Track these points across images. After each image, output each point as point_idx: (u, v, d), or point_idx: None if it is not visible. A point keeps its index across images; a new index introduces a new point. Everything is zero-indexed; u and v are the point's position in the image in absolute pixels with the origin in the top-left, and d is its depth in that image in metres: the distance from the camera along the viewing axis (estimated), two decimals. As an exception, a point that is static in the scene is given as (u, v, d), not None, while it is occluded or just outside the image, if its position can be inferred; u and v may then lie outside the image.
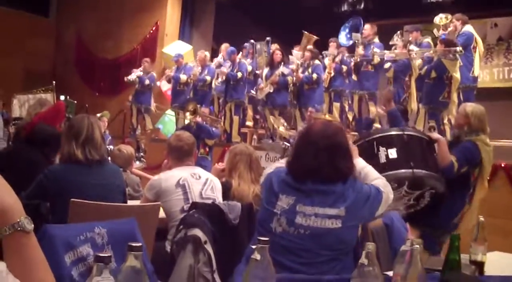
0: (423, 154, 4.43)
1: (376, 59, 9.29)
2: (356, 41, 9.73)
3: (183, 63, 11.80)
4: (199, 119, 9.26)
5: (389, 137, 4.45)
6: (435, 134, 4.83)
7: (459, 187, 4.44)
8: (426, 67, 8.63)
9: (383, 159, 4.32)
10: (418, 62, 8.92)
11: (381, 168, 4.19)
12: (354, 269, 2.53)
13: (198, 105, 10.07)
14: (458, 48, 8.14)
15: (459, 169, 4.33)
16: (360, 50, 9.55)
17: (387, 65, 9.10)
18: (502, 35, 12.25)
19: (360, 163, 2.91)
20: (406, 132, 4.49)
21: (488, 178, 4.63)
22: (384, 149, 4.35)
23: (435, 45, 9.11)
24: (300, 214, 2.46)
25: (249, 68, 10.93)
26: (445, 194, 4.31)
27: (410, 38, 9.36)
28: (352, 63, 9.76)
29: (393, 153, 4.30)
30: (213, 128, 9.15)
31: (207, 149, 9.24)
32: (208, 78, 11.27)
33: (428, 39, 9.68)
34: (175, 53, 12.05)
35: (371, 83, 9.50)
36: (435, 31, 9.13)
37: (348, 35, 10.71)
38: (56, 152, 3.90)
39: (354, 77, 9.82)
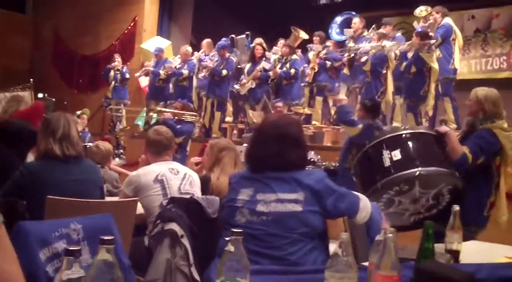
0: (430, 150, 4.24)
1: (371, 53, 9.31)
2: (349, 37, 9.76)
3: (163, 58, 11.77)
4: (167, 115, 9.20)
5: (390, 139, 4.30)
6: (443, 128, 4.50)
7: (482, 178, 4.22)
8: (405, 63, 8.70)
9: (387, 163, 4.17)
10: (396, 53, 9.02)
11: (387, 172, 4.12)
12: (323, 253, 2.59)
13: (177, 100, 10.08)
14: (432, 41, 8.23)
15: (475, 160, 4.10)
16: (351, 44, 9.57)
17: (363, 58, 9.14)
18: (479, 27, 12.35)
19: None
20: (407, 131, 4.35)
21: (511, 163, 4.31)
22: (387, 152, 4.18)
23: (409, 39, 9.21)
24: (261, 202, 2.49)
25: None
26: (465, 188, 4.07)
27: (384, 32, 9.42)
28: (345, 59, 9.76)
29: (397, 155, 4.13)
30: (179, 126, 8.97)
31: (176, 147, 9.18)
32: (185, 72, 11.22)
33: (399, 33, 9.77)
34: (156, 47, 12.03)
35: (363, 76, 9.45)
36: (415, 23, 9.19)
37: (338, 30, 10.74)
38: (29, 148, 3.87)
39: (346, 71, 9.82)
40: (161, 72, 11.50)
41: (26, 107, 5.05)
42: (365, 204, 2.70)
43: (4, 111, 4.98)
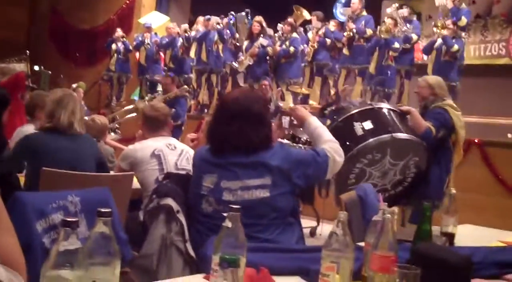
0: (398, 122, 4.48)
1: (369, 32, 9.29)
2: (347, 16, 9.72)
3: (152, 33, 11.67)
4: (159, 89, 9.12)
5: (360, 113, 4.52)
6: (405, 107, 4.96)
7: (442, 154, 4.53)
8: (444, 47, 8.63)
9: (360, 132, 4.38)
10: (414, 37, 9.06)
11: (361, 139, 4.28)
12: (297, 230, 2.59)
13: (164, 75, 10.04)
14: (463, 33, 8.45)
15: (437, 133, 4.39)
16: (351, 24, 9.52)
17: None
18: (479, 12, 12.29)
19: (312, 122, 2.86)
20: (375, 106, 4.64)
21: (462, 143, 4.70)
22: (358, 123, 4.40)
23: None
24: (226, 190, 2.45)
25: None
26: (430, 161, 4.37)
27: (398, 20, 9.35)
28: (344, 39, 9.72)
29: (368, 125, 4.36)
30: (172, 110, 8.90)
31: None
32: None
33: (414, 17, 9.73)
34: (145, 22, 11.93)
35: (364, 58, 9.50)
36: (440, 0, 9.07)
37: (342, 10, 10.69)
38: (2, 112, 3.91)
39: (345, 51, 9.79)
40: (147, 45, 11.41)
41: (8, 77, 5.04)
42: (334, 160, 2.65)
43: None
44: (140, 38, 11.62)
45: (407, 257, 1.91)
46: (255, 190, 2.43)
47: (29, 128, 4.28)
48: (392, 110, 4.62)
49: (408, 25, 9.25)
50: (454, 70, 8.11)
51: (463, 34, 8.59)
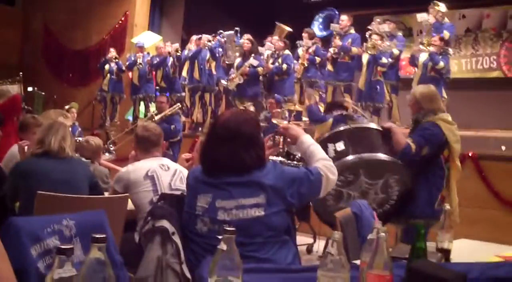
0: (374, 141, 4.38)
1: (354, 51, 9.36)
2: (334, 32, 9.79)
3: (144, 53, 11.70)
4: (152, 109, 9.16)
5: (336, 133, 4.46)
6: (387, 123, 4.83)
7: (431, 171, 4.37)
8: (430, 63, 8.63)
9: (331, 154, 4.30)
10: (395, 52, 9.14)
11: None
12: (292, 248, 2.58)
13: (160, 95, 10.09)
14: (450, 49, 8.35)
15: (418, 150, 4.22)
16: (337, 41, 9.59)
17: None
18: (469, 26, 12.40)
19: (306, 141, 2.87)
20: (352, 126, 4.50)
21: (458, 157, 4.51)
22: (332, 144, 4.37)
23: (406, 37, 9.24)
24: (221, 210, 2.44)
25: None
26: (411, 178, 4.23)
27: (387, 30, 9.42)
28: (329, 54, 9.79)
29: (340, 146, 4.30)
30: (172, 126, 8.98)
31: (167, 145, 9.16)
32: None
33: (400, 33, 9.81)
34: (137, 41, 11.96)
35: (348, 74, 9.57)
36: (422, 16, 9.13)
37: (321, 27, 10.75)
38: None
39: (330, 67, 9.86)
40: (139, 64, 11.44)
41: (4, 100, 5.07)
42: (327, 178, 2.65)
43: None
44: (132, 58, 11.63)
45: (403, 275, 1.91)
46: (250, 209, 2.42)
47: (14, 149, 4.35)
48: (373, 129, 4.53)
49: (393, 40, 9.30)
50: (440, 86, 8.13)
51: (450, 50, 8.62)
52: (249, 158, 2.52)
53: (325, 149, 4.39)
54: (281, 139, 3.13)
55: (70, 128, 3.92)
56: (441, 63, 8.36)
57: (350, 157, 4.20)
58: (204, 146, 2.67)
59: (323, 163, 2.72)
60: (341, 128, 4.52)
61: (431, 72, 8.50)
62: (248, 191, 2.46)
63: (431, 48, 8.50)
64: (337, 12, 10.27)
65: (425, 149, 4.25)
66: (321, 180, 2.63)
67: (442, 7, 8.92)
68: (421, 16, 9.18)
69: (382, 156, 4.23)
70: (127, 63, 11.72)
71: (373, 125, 4.73)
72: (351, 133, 4.40)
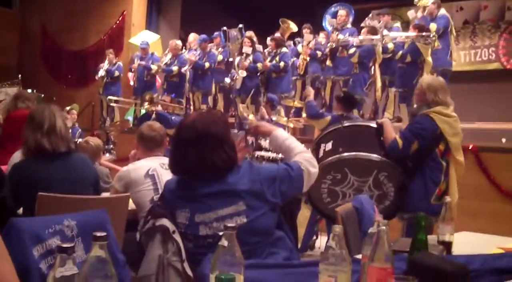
0: (363, 139, 4.40)
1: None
2: (332, 27, 9.79)
3: (149, 52, 11.71)
4: (159, 108, 9.19)
5: (329, 133, 4.51)
6: (380, 119, 4.83)
7: (426, 165, 4.28)
8: (401, 51, 8.75)
9: (320, 154, 4.38)
10: (390, 46, 9.02)
11: (318, 162, 4.27)
12: (287, 244, 2.55)
13: (166, 95, 10.07)
14: (431, 34, 8.28)
15: (406, 145, 4.18)
16: (335, 35, 9.58)
17: (352, 50, 9.16)
18: (467, 18, 12.41)
19: (279, 136, 2.78)
20: (344, 125, 4.52)
21: (459, 151, 4.39)
22: (323, 145, 4.41)
23: (404, 30, 9.24)
24: (202, 225, 2.36)
25: (220, 57, 10.97)
26: (402, 175, 4.22)
27: (381, 22, 9.45)
28: (328, 49, 9.79)
29: (328, 146, 4.35)
30: (173, 117, 9.02)
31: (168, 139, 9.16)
32: (175, 68, 11.19)
33: (398, 24, 9.79)
34: (142, 41, 11.96)
35: (347, 69, 9.53)
36: (411, 13, 9.17)
37: (327, 22, 10.75)
38: None
39: (328, 62, 9.85)
40: (153, 67, 11.43)
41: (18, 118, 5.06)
42: (308, 172, 2.57)
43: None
44: (136, 59, 11.67)
45: (404, 268, 1.91)
46: (230, 219, 2.33)
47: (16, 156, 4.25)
48: (367, 126, 4.54)
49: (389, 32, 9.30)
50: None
51: (431, 39, 8.54)
52: (219, 159, 2.42)
53: (318, 149, 4.43)
54: (253, 139, 3.05)
55: (70, 130, 3.80)
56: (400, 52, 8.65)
57: (331, 157, 4.24)
58: (172, 154, 2.57)
59: (302, 156, 2.63)
60: (333, 127, 4.55)
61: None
62: (225, 201, 2.37)
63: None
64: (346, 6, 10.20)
65: (414, 143, 4.19)
66: (302, 175, 2.55)
67: (427, 0, 8.92)
68: (410, 13, 9.22)
69: (362, 154, 4.23)
70: (134, 64, 11.69)
71: (366, 122, 4.74)
72: (342, 133, 4.44)
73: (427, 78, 4.65)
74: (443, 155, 4.31)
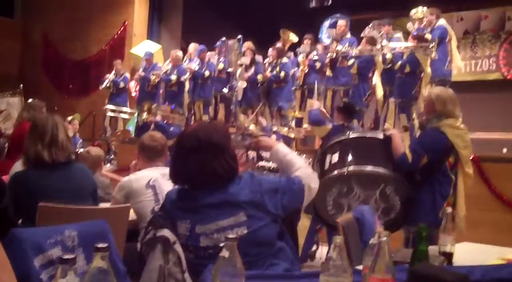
0: (369, 152, 4.34)
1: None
2: (332, 37, 9.81)
3: (153, 63, 11.75)
4: (158, 118, 9.20)
5: (335, 144, 4.45)
6: (389, 131, 4.73)
7: (435, 178, 4.21)
8: (400, 62, 8.75)
9: (326, 166, 4.34)
10: (388, 56, 9.02)
11: (324, 175, 4.25)
12: (288, 255, 2.54)
13: (166, 104, 10.10)
14: (431, 45, 8.29)
15: (416, 159, 4.10)
16: (334, 46, 9.60)
17: (350, 61, 9.17)
18: (468, 28, 12.43)
19: (280, 150, 2.78)
20: (350, 136, 4.46)
21: (468, 162, 4.32)
22: (329, 155, 4.37)
23: (405, 40, 9.26)
24: (202, 236, 2.36)
25: (221, 66, 10.97)
26: (409, 188, 4.16)
27: (382, 32, 9.46)
28: (328, 60, 9.80)
29: (335, 158, 4.29)
30: (171, 128, 9.03)
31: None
32: (173, 78, 11.21)
33: (399, 35, 9.79)
34: (146, 52, 11.99)
35: (347, 79, 9.52)
36: (409, 25, 9.21)
37: (327, 34, 10.78)
38: None
39: (329, 72, 9.84)
40: (152, 77, 11.48)
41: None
42: (309, 188, 2.58)
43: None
44: (141, 70, 11.72)
45: (405, 279, 1.91)
46: (230, 230, 2.33)
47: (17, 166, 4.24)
48: (374, 138, 4.48)
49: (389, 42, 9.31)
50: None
51: (430, 50, 8.55)
52: (220, 167, 2.43)
53: (324, 160, 4.40)
54: (254, 154, 3.03)
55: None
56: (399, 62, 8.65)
57: (337, 171, 4.20)
58: (173, 160, 2.58)
59: (303, 171, 2.64)
60: (339, 138, 4.50)
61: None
62: (226, 211, 2.37)
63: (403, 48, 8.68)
64: (345, 17, 10.23)
65: (424, 157, 4.12)
66: (304, 189, 2.55)
67: (421, 12, 8.94)
68: (409, 26, 9.25)
69: (368, 168, 4.20)
70: (139, 75, 11.74)
71: (373, 134, 4.70)
72: (348, 144, 4.38)
73: (436, 89, 4.58)
74: (453, 168, 4.24)
